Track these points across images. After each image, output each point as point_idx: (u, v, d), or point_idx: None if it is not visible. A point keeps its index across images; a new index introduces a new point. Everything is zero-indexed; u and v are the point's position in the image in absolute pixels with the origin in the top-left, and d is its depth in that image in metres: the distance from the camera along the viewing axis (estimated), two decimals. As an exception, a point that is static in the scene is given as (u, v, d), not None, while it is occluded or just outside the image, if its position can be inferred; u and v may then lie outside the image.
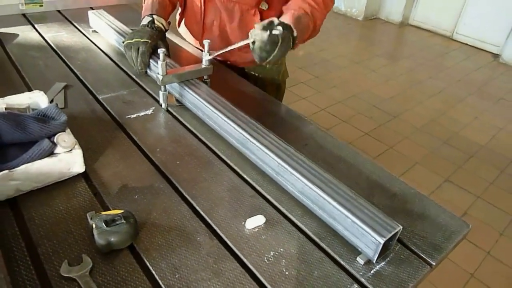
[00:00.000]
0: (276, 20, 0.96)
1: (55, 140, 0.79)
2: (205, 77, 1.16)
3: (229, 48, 1.03)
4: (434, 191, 2.47)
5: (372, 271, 0.72)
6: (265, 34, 0.93)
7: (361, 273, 0.71)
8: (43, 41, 1.42)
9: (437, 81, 3.86)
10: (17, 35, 1.45)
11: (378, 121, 3.11)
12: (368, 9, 5.16)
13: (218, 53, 1.06)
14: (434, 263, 0.75)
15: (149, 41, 1.14)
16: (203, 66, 1.12)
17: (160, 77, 1.03)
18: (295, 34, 1.02)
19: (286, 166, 0.82)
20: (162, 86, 1.06)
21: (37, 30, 1.50)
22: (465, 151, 2.87)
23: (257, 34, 0.94)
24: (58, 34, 1.48)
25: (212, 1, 1.30)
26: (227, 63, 1.44)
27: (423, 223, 0.84)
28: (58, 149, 0.79)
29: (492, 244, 2.17)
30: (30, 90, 1.12)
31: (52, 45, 1.39)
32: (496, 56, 4.48)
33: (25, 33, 1.47)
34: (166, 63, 1.02)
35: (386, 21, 5.29)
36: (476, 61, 4.40)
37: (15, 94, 0.99)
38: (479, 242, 2.16)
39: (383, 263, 0.74)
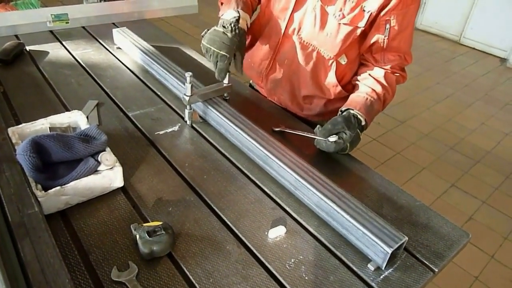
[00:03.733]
0: (341, 123, 1.03)
1: (99, 159, 0.89)
2: (225, 94, 1.26)
3: (296, 132, 1.13)
4: (440, 196, 2.54)
5: (381, 277, 0.81)
6: (331, 147, 1.04)
7: (371, 278, 0.80)
8: (72, 58, 1.53)
9: (445, 86, 3.93)
10: (48, 52, 1.55)
11: (386, 127, 3.19)
12: (375, 14, 5.22)
13: (286, 130, 1.14)
14: (436, 270, 0.84)
15: (227, 55, 1.09)
16: (224, 85, 1.22)
17: (187, 98, 1.12)
18: (363, 123, 1.09)
19: (303, 182, 0.92)
20: (187, 105, 1.15)
21: (65, 47, 1.61)
22: (471, 157, 2.94)
23: (319, 143, 1.06)
24: (85, 51, 1.59)
25: (289, 37, 1.23)
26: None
27: (427, 233, 0.93)
28: (101, 167, 0.89)
29: (496, 248, 2.24)
30: (66, 108, 1.23)
31: (81, 62, 1.50)
32: (503, 60, 4.53)
33: (55, 51, 1.57)
34: (192, 85, 1.11)
35: (394, 26, 5.35)
36: (483, 66, 4.45)
37: (53, 112, 1.10)
38: (483, 246, 2.23)
39: (391, 269, 0.83)
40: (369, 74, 1.19)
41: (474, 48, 4.81)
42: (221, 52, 1.09)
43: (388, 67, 1.19)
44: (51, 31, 1.73)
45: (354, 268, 0.82)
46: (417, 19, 5.23)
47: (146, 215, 0.88)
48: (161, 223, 0.81)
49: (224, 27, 1.11)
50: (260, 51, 1.33)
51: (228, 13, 1.16)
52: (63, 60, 1.51)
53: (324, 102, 1.32)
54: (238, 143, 1.10)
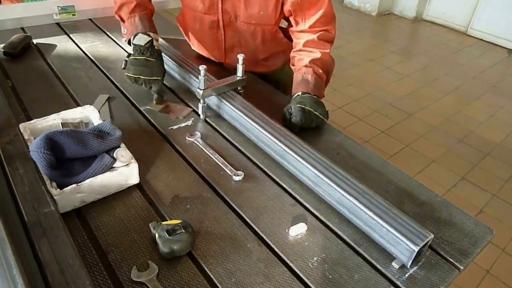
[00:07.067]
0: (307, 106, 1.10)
1: (114, 155, 0.87)
2: (239, 87, 1.23)
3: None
4: (450, 189, 2.52)
5: (406, 275, 0.79)
6: (298, 114, 1.09)
7: (396, 277, 0.78)
8: (80, 51, 1.50)
9: (452, 78, 3.88)
10: (55, 45, 1.53)
11: (394, 119, 3.15)
12: (382, 5, 5.15)
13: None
14: (462, 267, 0.82)
15: (160, 78, 1.16)
16: (238, 78, 1.19)
17: (201, 92, 1.10)
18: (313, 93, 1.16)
19: (324, 178, 0.89)
20: (201, 99, 1.13)
21: (73, 40, 1.58)
22: (480, 149, 2.90)
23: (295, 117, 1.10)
24: (93, 44, 1.56)
25: (230, 25, 1.33)
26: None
27: (450, 229, 0.90)
28: (117, 163, 0.87)
29: (507, 241, 2.22)
30: (76, 102, 1.20)
31: (90, 55, 1.47)
32: (511, 51, 4.47)
33: (63, 44, 1.55)
34: (206, 78, 1.09)
35: (400, 17, 5.28)
36: (491, 57, 4.39)
37: (64, 107, 1.08)
38: (494, 239, 2.17)
39: (415, 267, 0.80)
40: (301, 49, 1.27)
41: (481, 39, 4.74)
42: (153, 77, 1.15)
43: (307, 26, 1.25)
44: (57, 24, 1.70)
45: (378, 266, 0.80)
46: (423, 10, 5.16)
47: (163, 213, 0.86)
48: (180, 221, 0.79)
49: (142, 53, 1.15)
50: (207, 45, 1.44)
51: (140, 38, 1.18)
52: (71, 53, 1.48)
53: (282, 54, 1.45)
54: (254, 137, 1.08)
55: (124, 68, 1.18)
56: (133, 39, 1.20)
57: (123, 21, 1.31)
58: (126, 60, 1.18)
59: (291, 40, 1.36)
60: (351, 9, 5.41)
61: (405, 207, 0.94)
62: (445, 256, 0.84)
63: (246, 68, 1.18)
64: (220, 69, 1.48)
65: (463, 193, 2.50)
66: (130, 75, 1.15)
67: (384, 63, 4.05)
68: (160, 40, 1.44)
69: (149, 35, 1.20)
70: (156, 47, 1.21)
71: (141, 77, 1.14)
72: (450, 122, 3.20)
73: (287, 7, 1.24)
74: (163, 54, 1.27)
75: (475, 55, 4.43)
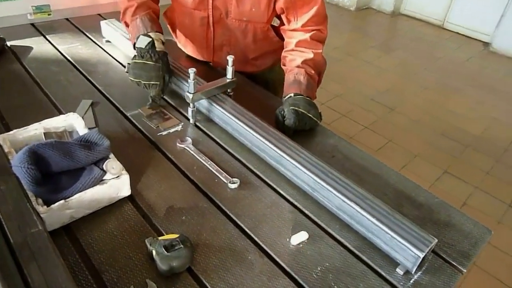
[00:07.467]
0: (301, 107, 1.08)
1: (104, 167, 0.82)
2: (228, 90, 1.19)
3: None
4: (434, 183, 2.55)
5: (411, 281, 0.78)
6: (291, 117, 1.06)
7: (401, 283, 0.77)
8: (59, 53, 1.43)
9: (431, 72, 3.94)
10: (31, 48, 1.45)
11: (377, 114, 3.18)
12: (360, -1, 5.19)
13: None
14: (465, 270, 0.81)
15: (157, 83, 1.11)
16: (228, 81, 1.15)
17: (190, 96, 1.05)
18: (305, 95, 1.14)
19: (323, 184, 0.87)
20: (191, 103, 1.08)
21: (50, 42, 1.50)
22: (461, 142, 2.96)
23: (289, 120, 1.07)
24: (72, 46, 1.48)
25: (220, 22, 1.29)
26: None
27: (451, 231, 0.90)
28: (107, 176, 0.82)
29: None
30: (57, 109, 1.14)
31: (69, 58, 1.40)
32: (486, 44, 4.57)
33: (39, 46, 1.47)
34: (195, 82, 1.04)
35: (378, 11, 5.33)
36: (467, 50, 4.48)
37: (45, 114, 1.02)
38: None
39: (420, 272, 0.79)
40: (293, 49, 1.24)
41: (457, 33, 4.83)
42: (150, 82, 1.10)
43: (299, 25, 1.22)
44: (32, 24, 1.62)
45: (383, 273, 0.78)
46: (400, 4, 5.22)
47: (158, 226, 0.82)
48: (177, 235, 0.75)
49: (142, 57, 1.11)
50: (196, 42, 1.40)
51: (141, 41, 1.13)
52: (49, 56, 1.41)
53: (272, 54, 1.41)
54: (247, 142, 1.04)
55: (127, 72, 1.14)
56: (136, 42, 1.15)
57: (127, 26, 1.25)
58: (128, 64, 1.13)
59: (282, 39, 1.33)
60: (330, 4, 5.42)
61: (404, 210, 0.93)
62: (447, 260, 0.83)
63: (235, 67, 1.14)
64: (207, 68, 1.44)
65: (447, 186, 2.54)
66: (131, 79, 1.12)
67: (364, 58, 4.07)
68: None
69: (150, 36, 1.14)
70: (159, 49, 1.14)
71: (141, 81, 1.10)
72: (431, 116, 3.24)
73: (280, 5, 1.21)
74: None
75: (452, 48, 4.51)
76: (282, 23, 1.31)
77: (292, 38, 1.25)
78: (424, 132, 3.04)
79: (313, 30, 1.22)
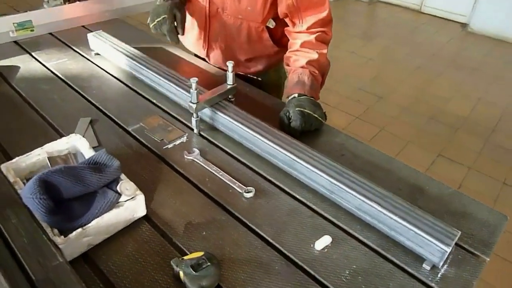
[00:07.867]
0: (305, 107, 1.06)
1: (118, 190, 0.79)
2: (230, 96, 1.17)
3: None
4: (429, 168, 2.59)
5: (439, 275, 0.78)
6: (298, 118, 1.05)
7: (430, 279, 0.77)
8: (48, 71, 1.38)
9: (413, 57, 3.98)
10: (18, 67, 1.39)
11: (366, 104, 3.20)
12: (336, -11, 5.20)
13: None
14: (488, 259, 0.82)
15: (166, 16, 1.22)
16: (229, 87, 1.13)
17: (194, 106, 1.03)
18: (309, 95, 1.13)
19: (341, 185, 0.86)
20: (194, 113, 1.06)
21: (36, 59, 1.45)
22: (451, 125, 3.01)
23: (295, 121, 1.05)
24: (60, 61, 1.44)
25: (217, 17, 1.31)
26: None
27: (468, 221, 0.90)
28: (121, 198, 0.80)
29: (489, 211, 2.31)
30: (55, 129, 1.10)
31: (59, 74, 1.36)
32: (464, 25, 4.65)
33: (26, 64, 1.42)
34: (198, 91, 1.02)
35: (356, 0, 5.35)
36: (446, 33, 4.55)
37: (43, 136, 0.99)
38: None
39: (445, 265, 0.80)
40: (298, 50, 1.23)
41: (435, 16, 4.90)
42: (160, 17, 1.22)
43: (304, 28, 1.22)
44: (16, 42, 1.56)
45: (410, 270, 0.78)
46: (377, -8, 5.25)
47: (179, 244, 0.80)
48: (202, 253, 0.73)
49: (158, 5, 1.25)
50: (193, 31, 1.43)
51: None
52: (37, 74, 1.36)
53: (265, 59, 1.43)
54: (256, 148, 1.03)
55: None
56: None
57: None
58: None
59: (278, 45, 1.33)
60: (307, -4, 5.41)
61: (420, 203, 0.93)
62: (470, 250, 0.83)
63: (225, 67, 1.12)
64: (204, 69, 1.41)
65: (442, 169, 2.58)
66: (151, 25, 1.26)
67: (347, 48, 4.09)
68: (136, 51, 1.35)
69: None
70: None
71: (155, 21, 1.24)
72: (418, 101, 3.28)
73: (282, 10, 1.20)
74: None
75: (431, 32, 4.57)
76: (281, 25, 1.31)
77: (297, 39, 1.24)
78: (414, 118, 3.07)
79: (318, 32, 1.21)
